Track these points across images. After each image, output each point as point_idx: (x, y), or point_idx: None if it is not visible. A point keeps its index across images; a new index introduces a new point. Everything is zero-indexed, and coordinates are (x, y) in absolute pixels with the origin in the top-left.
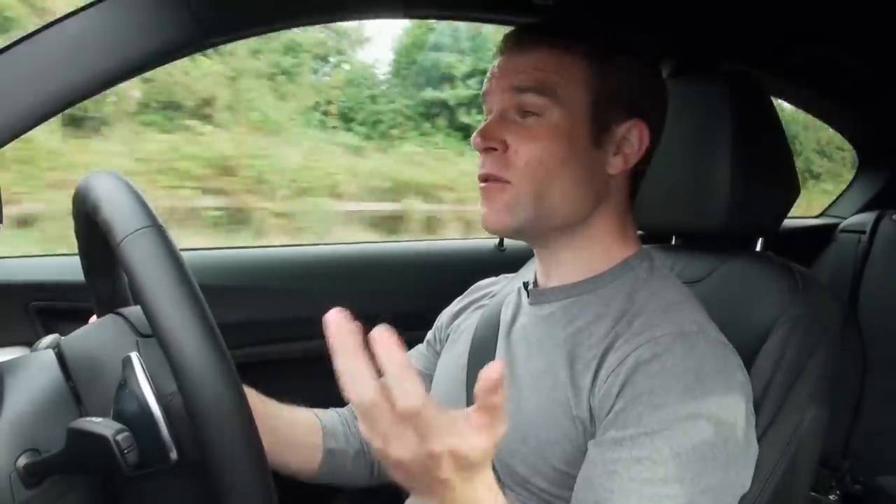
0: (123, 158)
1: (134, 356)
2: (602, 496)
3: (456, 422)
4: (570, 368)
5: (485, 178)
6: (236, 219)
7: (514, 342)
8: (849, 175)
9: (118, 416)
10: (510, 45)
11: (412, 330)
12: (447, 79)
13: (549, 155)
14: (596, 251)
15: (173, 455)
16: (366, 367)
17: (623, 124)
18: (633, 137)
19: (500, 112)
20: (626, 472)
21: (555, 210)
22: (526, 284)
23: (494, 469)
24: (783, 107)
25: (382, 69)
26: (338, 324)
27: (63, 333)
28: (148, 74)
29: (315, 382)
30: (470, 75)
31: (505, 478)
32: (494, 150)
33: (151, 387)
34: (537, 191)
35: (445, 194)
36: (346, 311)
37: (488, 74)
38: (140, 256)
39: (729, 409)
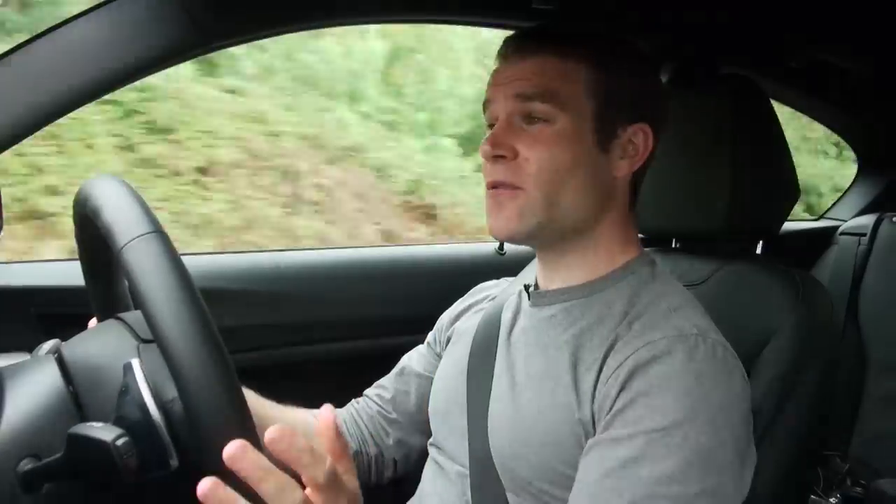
0: None
1: (135, 363)
2: (596, 492)
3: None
4: (574, 371)
5: (495, 186)
6: None
7: (515, 344)
8: None
9: (120, 423)
10: (512, 51)
11: (413, 333)
12: None
13: (560, 161)
14: (599, 254)
15: (174, 462)
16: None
17: (628, 128)
18: (638, 141)
19: (507, 119)
20: (622, 471)
21: (564, 215)
22: (527, 287)
23: (497, 472)
24: None
25: None
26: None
27: (64, 338)
28: None
29: (313, 385)
30: None
31: (507, 482)
32: (504, 157)
33: (152, 393)
34: (548, 197)
35: None
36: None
37: (489, 81)
38: (141, 263)
39: (727, 411)
